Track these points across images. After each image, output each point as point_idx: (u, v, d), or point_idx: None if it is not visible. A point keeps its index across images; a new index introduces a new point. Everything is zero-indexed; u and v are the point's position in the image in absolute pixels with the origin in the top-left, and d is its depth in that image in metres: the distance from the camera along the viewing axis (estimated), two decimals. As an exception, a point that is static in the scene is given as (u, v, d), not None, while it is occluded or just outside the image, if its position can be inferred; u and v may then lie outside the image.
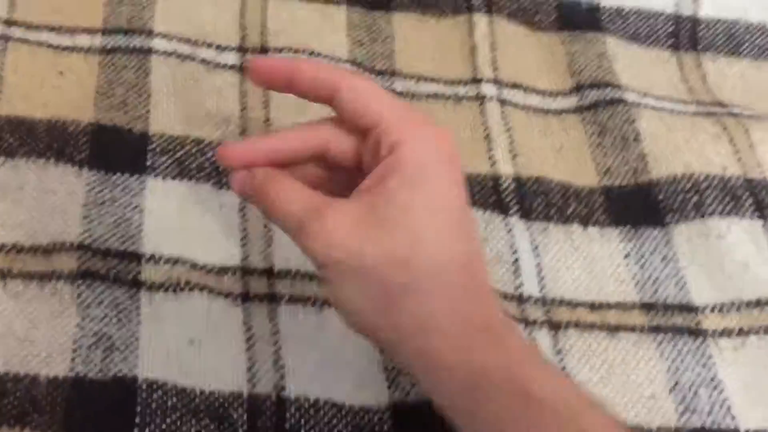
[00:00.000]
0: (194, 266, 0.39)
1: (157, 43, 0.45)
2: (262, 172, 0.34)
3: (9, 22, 0.45)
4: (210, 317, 0.38)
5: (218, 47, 0.46)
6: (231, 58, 0.46)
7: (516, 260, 0.42)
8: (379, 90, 0.33)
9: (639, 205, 0.45)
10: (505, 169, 0.45)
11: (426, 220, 0.30)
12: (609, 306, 0.41)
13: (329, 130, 0.34)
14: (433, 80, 0.48)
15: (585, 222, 0.44)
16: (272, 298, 0.39)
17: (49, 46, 0.44)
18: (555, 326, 0.40)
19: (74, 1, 0.46)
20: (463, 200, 0.32)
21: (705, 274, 0.43)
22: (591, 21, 0.53)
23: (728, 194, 0.45)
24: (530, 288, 0.41)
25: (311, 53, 0.47)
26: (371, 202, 0.31)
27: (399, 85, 0.48)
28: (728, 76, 0.53)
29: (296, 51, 0.47)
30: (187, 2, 0.47)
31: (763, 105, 0.51)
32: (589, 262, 0.42)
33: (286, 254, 0.40)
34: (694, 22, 0.54)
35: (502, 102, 0.47)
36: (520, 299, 0.41)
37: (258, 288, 0.39)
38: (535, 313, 0.40)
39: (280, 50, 0.46)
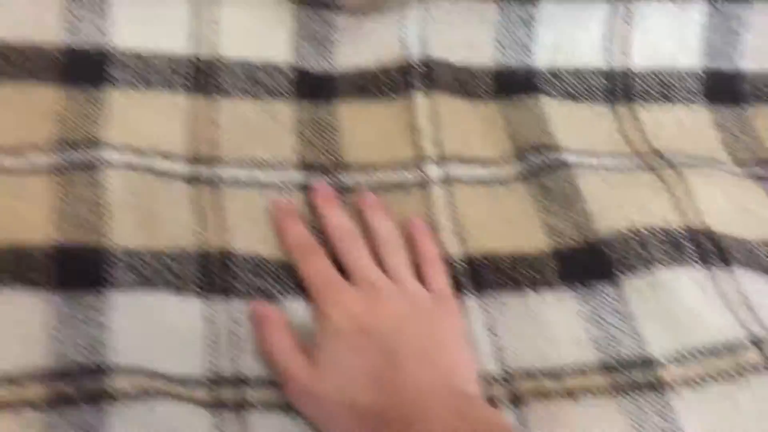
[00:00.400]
0: (162, 376, 0.40)
1: (110, 156, 0.46)
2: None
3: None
4: (179, 427, 0.38)
5: (169, 156, 0.47)
6: (182, 167, 0.47)
7: (474, 342, 0.43)
8: None
9: (589, 263, 0.46)
10: (454, 250, 0.46)
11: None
12: (568, 371, 0.42)
13: None
14: (381, 167, 0.50)
15: (538, 288, 0.45)
16: (242, 405, 0.40)
17: (2, 170, 0.45)
18: (518, 400, 0.41)
19: (24, 120, 0.47)
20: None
21: (660, 326, 0.44)
22: (527, 84, 0.55)
23: (671, 244, 0.46)
24: (489, 366, 0.42)
25: (261, 165, 0.49)
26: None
27: (348, 179, 0.49)
28: (664, 124, 0.55)
29: (246, 164, 0.48)
30: (137, 113, 0.49)
31: (699, 148, 0.54)
32: (546, 327, 0.44)
33: (255, 360, 0.41)
34: (627, 73, 0.57)
35: (448, 182, 0.49)
36: (483, 379, 0.42)
37: (228, 396, 0.40)
38: (498, 390, 0.41)
39: (231, 163, 0.48)
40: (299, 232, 0.46)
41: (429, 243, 0.46)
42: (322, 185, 0.48)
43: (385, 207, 0.47)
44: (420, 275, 0.44)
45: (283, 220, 0.46)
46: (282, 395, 0.40)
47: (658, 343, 0.44)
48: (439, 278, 0.44)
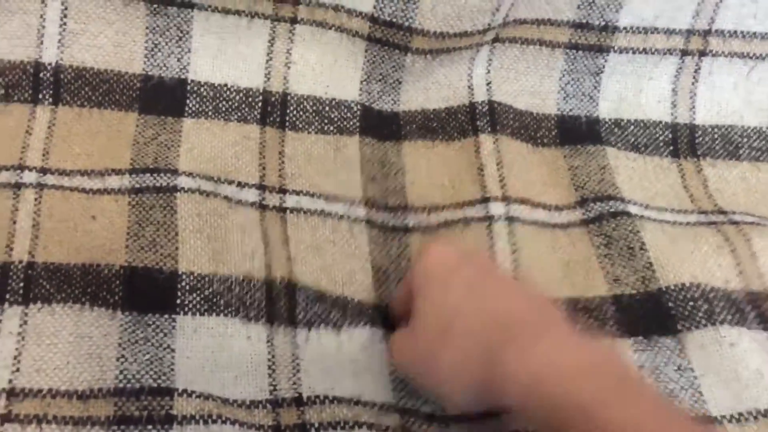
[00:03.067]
0: (225, 401, 0.40)
1: (182, 181, 0.48)
2: None
3: (44, 170, 0.48)
4: (240, 450, 0.39)
5: (239, 184, 0.49)
6: (251, 194, 0.49)
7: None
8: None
9: (650, 314, 0.46)
10: None
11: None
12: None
13: None
14: (444, 208, 0.50)
15: (597, 335, 0.45)
16: (303, 428, 0.40)
17: (82, 190, 0.47)
18: None
19: (103, 145, 0.49)
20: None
21: (721, 383, 0.43)
22: (591, 134, 0.56)
23: (733, 306, 0.46)
24: None
25: (327, 197, 0.50)
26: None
27: (411, 219, 0.50)
28: (729, 180, 0.55)
29: (313, 195, 0.50)
30: (210, 142, 0.50)
31: (765, 208, 0.53)
32: (605, 378, 0.43)
33: (314, 381, 0.42)
34: (692, 128, 0.57)
35: (510, 219, 0.49)
36: None
37: (288, 419, 0.40)
38: None
39: (298, 193, 0.49)
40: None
41: None
42: None
43: None
44: None
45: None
46: (339, 413, 0.41)
47: (717, 401, 0.43)
48: None
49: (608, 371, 0.34)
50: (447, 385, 0.39)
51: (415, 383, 0.41)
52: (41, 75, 0.50)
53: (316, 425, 0.40)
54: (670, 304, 0.46)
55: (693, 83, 0.57)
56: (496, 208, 0.50)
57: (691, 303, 0.46)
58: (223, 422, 0.39)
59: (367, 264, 0.48)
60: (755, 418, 0.42)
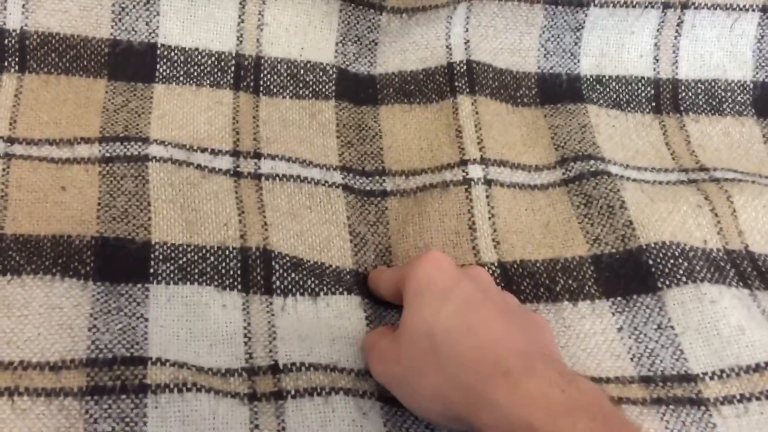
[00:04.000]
0: (200, 369, 0.40)
1: (154, 150, 0.47)
2: None
3: (11, 139, 0.47)
4: (216, 418, 0.39)
5: (212, 151, 0.48)
6: (225, 162, 0.48)
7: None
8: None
9: (630, 272, 0.46)
10: (488, 257, 0.46)
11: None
12: (608, 380, 0.42)
13: None
14: (422, 172, 0.50)
15: (575, 297, 0.45)
16: (279, 395, 0.40)
17: (51, 160, 0.46)
18: None
19: (71, 113, 0.48)
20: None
21: (701, 341, 0.43)
22: (572, 92, 0.55)
23: (712, 265, 0.45)
24: None
25: (303, 162, 0.49)
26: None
27: (389, 184, 0.49)
28: (712, 135, 0.54)
29: (288, 159, 0.48)
30: (181, 108, 0.49)
31: (747, 163, 0.53)
32: (582, 339, 0.43)
33: (290, 348, 0.41)
34: (675, 83, 0.56)
35: (489, 183, 0.49)
36: None
37: (264, 386, 0.40)
38: None
39: (273, 158, 0.48)
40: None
41: None
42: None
43: None
44: None
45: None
46: (316, 380, 0.40)
47: (699, 359, 0.43)
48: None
49: (597, 411, 0.33)
50: (425, 406, 0.37)
51: (390, 390, 0.40)
52: (6, 42, 0.49)
53: (293, 392, 0.40)
54: (650, 262, 0.45)
55: (675, 37, 0.56)
56: (475, 171, 0.49)
57: (671, 261, 0.45)
58: (198, 390, 0.39)
59: (344, 230, 0.47)
60: (737, 374, 0.42)
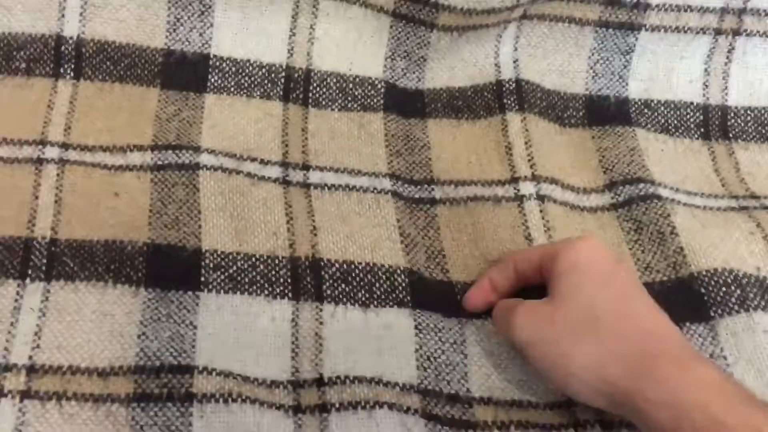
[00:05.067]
0: (246, 379, 0.40)
1: (205, 159, 0.47)
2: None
3: (65, 145, 0.47)
4: (261, 430, 0.39)
5: (262, 161, 0.48)
6: (275, 171, 0.48)
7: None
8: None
9: (682, 300, 0.45)
10: None
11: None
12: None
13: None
14: (471, 183, 0.49)
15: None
16: (323, 408, 0.40)
17: (104, 166, 0.47)
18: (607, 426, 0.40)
19: (125, 120, 0.49)
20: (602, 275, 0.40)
21: (753, 371, 0.42)
22: (620, 114, 0.54)
23: (766, 293, 0.45)
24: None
25: (351, 171, 0.49)
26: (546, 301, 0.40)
27: (438, 192, 0.49)
28: (761, 164, 0.54)
29: (337, 170, 0.49)
30: (232, 119, 0.50)
31: (798, 191, 0.52)
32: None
33: (335, 361, 0.41)
34: (724, 110, 0.55)
35: (541, 198, 0.48)
36: (549, 406, 0.41)
37: (309, 399, 0.40)
38: (585, 414, 0.41)
39: (322, 169, 0.49)
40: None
41: None
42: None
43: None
44: None
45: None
46: (360, 393, 0.40)
47: (749, 389, 0.42)
48: None
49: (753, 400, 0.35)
50: (575, 372, 0.37)
51: (531, 363, 0.40)
52: (63, 49, 0.50)
53: (337, 405, 0.40)
54: (702, 290, 0.45)
55: (726, 63, 0.55)
56: (527, 188, 0.49)
57: (723, 289, 0.45)
58: (243, 401, 0.39)
59: (394, 232, 0.47)
60: (788, 406, 0.41)
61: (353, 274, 0.44)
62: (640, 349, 0.36)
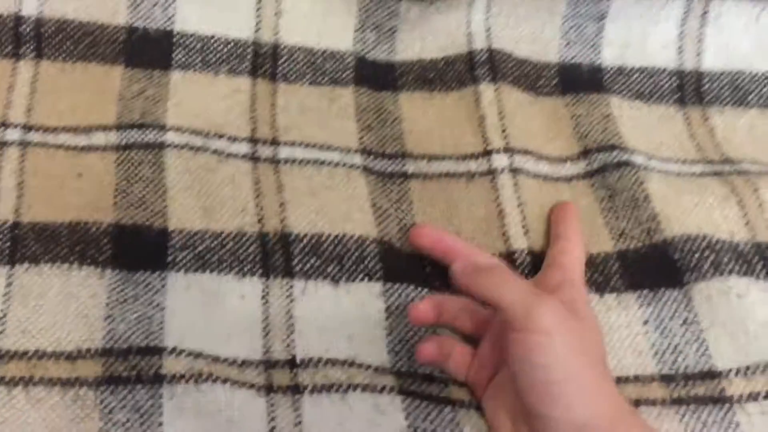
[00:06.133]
0: (216, 359, 0.39)
1: (170, 137, 0.46)
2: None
3: (27, 127, 0.46)
4: (232, 410, 0.38)
5: (230, 138, 0.47)
6: (243, 148, 0.47)
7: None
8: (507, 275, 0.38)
9: (655, 266, 0.45)
10: (519, 243, 0.45)
11: None
12: (627, 380, 0.41)
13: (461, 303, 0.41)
14: (444, 158, 0.49)
15: (601, 289, 0.44)
16: (295, 389, 0.39)
17: (67, 147, 0.46)
18: None
19: (88, 100, 0.48)
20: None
21: (727, 336, 0.42)
22: (593, 82, 0.54)
23: (740, 258, 0.45)
24: None
25: (321, 146, 0.48)
26: None
27: (411, 166, 0.48)
28: (736, 128, 0.53)
29: (307, 145, 0.48)
30: (198, 96, 0.49)
31: (773, 155, 0.52)
32: (607, 332, 0.42)
33: (308, 342, 0.41)
34: (698, 75, 0.55)
35: (514, 171, 0.48)
36: None
37: (281, 380, 0.39)
38: None
39: (291, 144, 0.48)
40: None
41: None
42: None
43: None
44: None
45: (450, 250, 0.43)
46: (333, 376, 0.40)
47: (724, 355, 0.42)
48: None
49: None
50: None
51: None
52: (22, 28, 0.49)
53: (310, 387, 0.39)
54: (676, 256, 0.44)
55: (700, 27, 0.54)
56: (500, 160, 0.48)
57: (697, 254, 0.44)
58: (214, 381, 0.38)
59: (366, 203, 0.46)
60: (762, 371, 0.41)
61: (323, 247, 0.44)
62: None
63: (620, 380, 0.41)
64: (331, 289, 0.43)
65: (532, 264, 0.44)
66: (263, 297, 0.42)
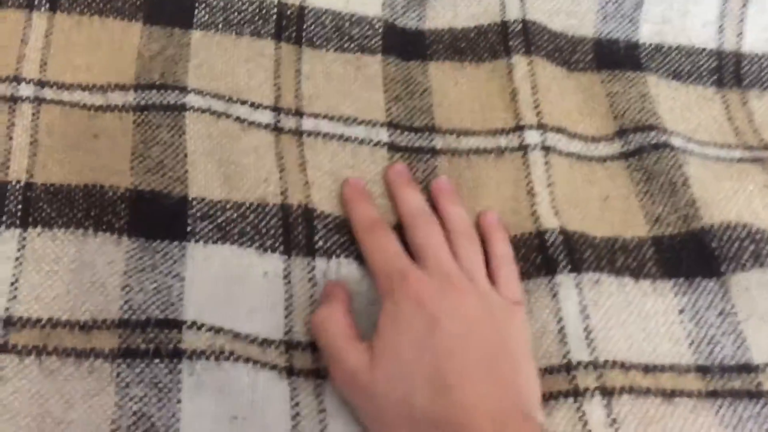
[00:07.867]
0: (237, 336, 0.38)
1: (191, 100, 0.44)
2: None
3: (41, 83, 0.44)
4: (255, 391, 0.37)
5: (252, 104, 0.45)
6: (266, 116, 0.45)
7: (562, 328, 0.40)
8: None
9: (692, 255, 0.43)
10: (550, 223, 0.43)
11: None
12: (663, 369, 0.39)
13: None
14: (474, 133, 0.47)
15: (636, 275, 0.42)
16: (317, 374, 0.38)
17: (83, 106, 0.44)
18: (608, 393, 0.38)
19: (105, 57, 0.46)
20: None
21: (766, 329, 0.41)
22: (630, 59, 0.51)
23: None
24: (579, 354, 0.39)
25: (347, 120, 0.46)
26: None
27: (439, 141, 0.46)
28: (776, 113, 0.51)
29: (332, 118, 0.46)
30: (221, 58, 0.47)
31: (814, 142, 0.50)
32: (643, 319, 0.41)
33: None
34: (738, 57, 0.53)
35: (546, 149, 0.46)
36: (569, 368, 0.39)
37: (302, 363, 0.38)
38: (586, 380, 0.38)
39: (316, 116, 0.46)
40: (366, 210, 0.42)
41: (504, 241, 0.42)
42: (400, 166, 0.45)
43: (459, 195, 0.44)
44: (491, 275, 0.40)
45: (351, 198, 0.43)
46: None
47: (761, 348, 0.40)
48: (513, 283, 0.40)
49: None
50: None
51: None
52: (37, -22, 0.46)
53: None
54: (714, 245, 0.43)
55: (743, 6, 0.52)
56: (532, 137, 0.46)
57: (736, 243, 0.43)
58: (236, 360, 0.37)
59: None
60: (800, 365, 0.40)
61: (347, 228, 0.42)
62: None
63: (656, 368, 0.39)
64: (355, 267, 0.41)
65: (565, 244, 0.42)
66: (285, 276, 0.40)
